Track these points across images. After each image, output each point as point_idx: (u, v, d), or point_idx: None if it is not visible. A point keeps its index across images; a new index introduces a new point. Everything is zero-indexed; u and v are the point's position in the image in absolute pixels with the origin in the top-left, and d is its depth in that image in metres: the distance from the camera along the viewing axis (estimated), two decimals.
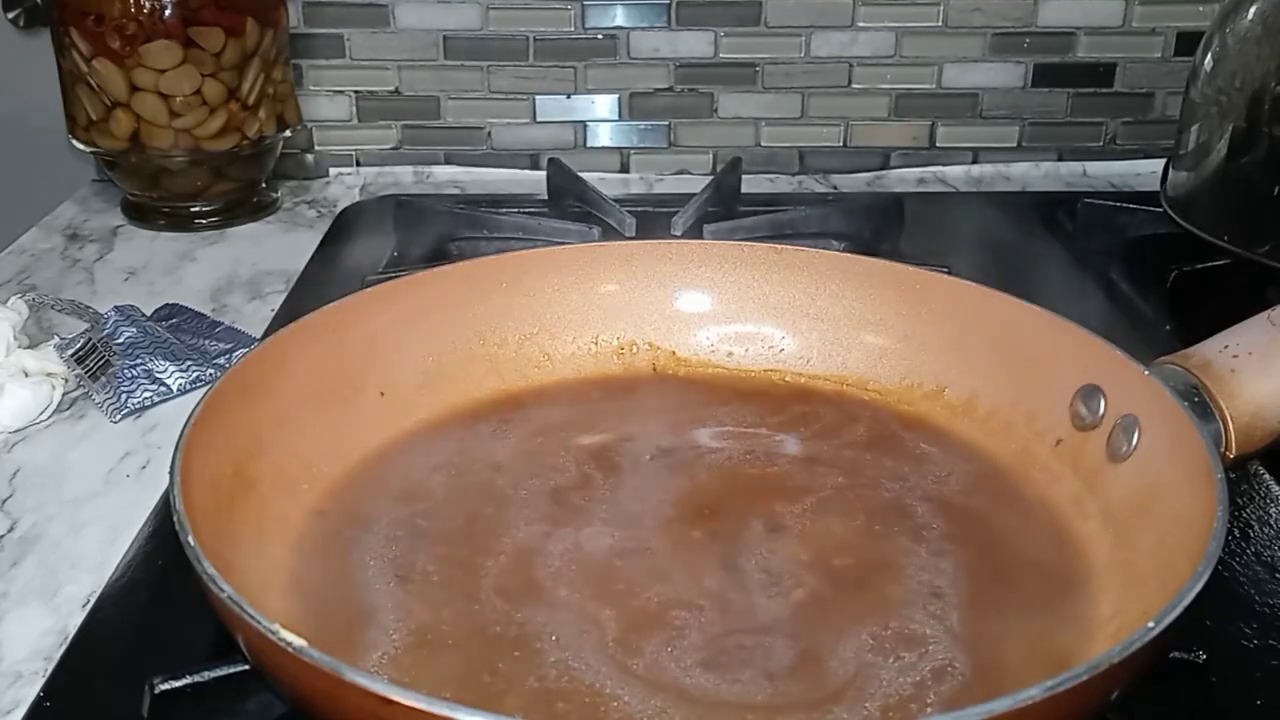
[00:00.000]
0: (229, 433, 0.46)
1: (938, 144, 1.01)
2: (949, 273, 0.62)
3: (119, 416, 0.63)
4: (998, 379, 0.55)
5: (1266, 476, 0.56)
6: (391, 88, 0.98)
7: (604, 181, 0.93)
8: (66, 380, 0.65)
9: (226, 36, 0.86)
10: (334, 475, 0.51)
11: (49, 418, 0.63)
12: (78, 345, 0.65)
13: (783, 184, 1.01)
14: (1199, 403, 0.47)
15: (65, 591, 0.50)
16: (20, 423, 0.62)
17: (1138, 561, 0.44)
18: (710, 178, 0.90)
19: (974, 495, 0.51)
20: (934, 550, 0.48)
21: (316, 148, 1.00)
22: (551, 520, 0.49)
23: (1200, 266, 0.75)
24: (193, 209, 0.91)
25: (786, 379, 0.61)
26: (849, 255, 0.64)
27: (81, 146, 0.89)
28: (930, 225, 0.85)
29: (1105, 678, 0.33)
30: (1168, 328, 0.72)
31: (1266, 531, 0.53)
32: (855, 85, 0.99)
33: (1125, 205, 0.87)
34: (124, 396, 0.63)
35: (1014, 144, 1.02)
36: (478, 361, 0.59)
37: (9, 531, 0.55)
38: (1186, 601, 0.35)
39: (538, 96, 0.99)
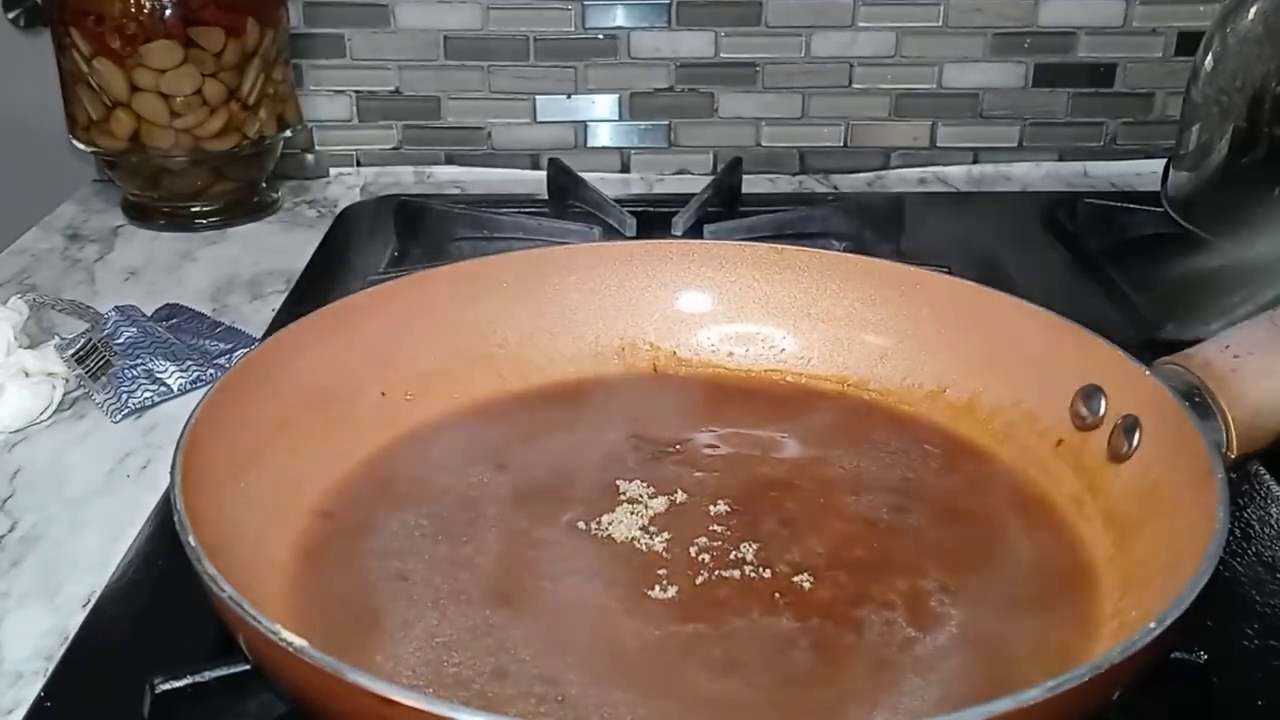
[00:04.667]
0: (229, 433, 0.46)
1: (938, 144, 1.01)
2: (949, 273, 0.62)
3: (119, 416, 0.63)
4: (999, 379, 0.55)
5: (1267, 477, 0.56)
6: (392, 88, 0.98)
7: (604, 181, 0.93)
8: (67, 380, 0.64)
9: (227, 36, 0.86)
10: (334, 475, 0.51)
11: (49, 418, 0.63)
12: (78, 345, 0.65)
13: (783, 184, 1.00)
14: (1200, 403, 0.47)
15: (66, 591, 0.50)
16: (21, 423, 0.62)
17: (1139, 562, 0.44)
18: (710, 178, 0.90)
19: (975, 495, 0.51)
20: (935, 550, 0.48)
21: (317, 148, 1.00)
22: (554, 520, 0.49)
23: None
24: (193, 209, 0.91)
25: (787, 379, 0.61)
26: (849, 255, 0.64)
27: (81, 146, 0.89)
28: (930, 225, 0.85)
29: (1106, 678, 0.33)
30: (1168, 328, 0.72)
31: (1267, 531, 0.53)
32: (855, 85, 0.99)
33: (1125, 205, 0.87)
34: (124, 396, 0.63)
35: (1014, 144, 1.02)
36: (478, 361, 0.59)
37: (9, 531, 0.55)
38: (1188, 602, 0.35)
39: (538, 96, 0.99)
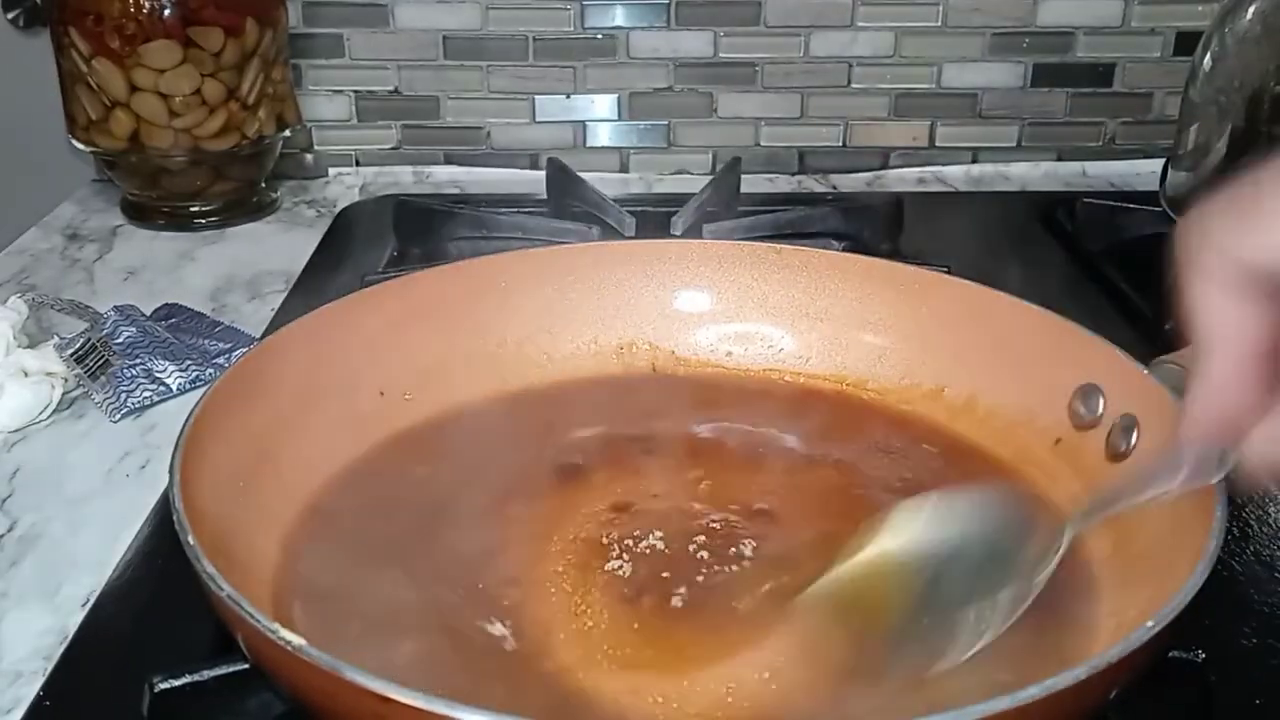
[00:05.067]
0: (228, 432, 0.46)
1: (937, 144, 1.01)
2: (949, 273, 0.62)
3: (118, 416, 0.63)
4: (997, 379, 0.55)
5: None
6: (391, 88, 0.98)
7: (603, 181, 0.93)
8: (66, 380, 0.64)
9: (226, 36, 0.86)
10: (334, 475, 0.51)
11: (49, 417, 0.63)
12: (77, 345, 0.65)
13: (782, 184, 1.01)
14: None
15: (65, 591, 0.50)
16: (20, 422, 0.62)
17: (1137, 560, 0.44)
18: (710, 178, 0.90)
19: None
20: None
21: (316, 147, 1.00)
22: (552, 520, 0.49)
23: None
24: (192, 209, 0.91)
25: (786, 379, 0.61)
26: (848, 255, 0.64)
27: (81, 146, 0.89)
28: (930, 225, 0.85)
29: (1104, 677, 0.33)
30: (1168, 328, 0.72)
31: (1265, 530, 0.53)
32: (855, 85, 0.99)
33: (1125, 205, 0.87)
34: (123, 396, 0.63)
35: (1013, 144, 1.02)
36: (477, 361, 0.59)
37: (9, 531, 0.55)
38: (1185, 601, 0.35)
39: (537, 96, 0.99)
